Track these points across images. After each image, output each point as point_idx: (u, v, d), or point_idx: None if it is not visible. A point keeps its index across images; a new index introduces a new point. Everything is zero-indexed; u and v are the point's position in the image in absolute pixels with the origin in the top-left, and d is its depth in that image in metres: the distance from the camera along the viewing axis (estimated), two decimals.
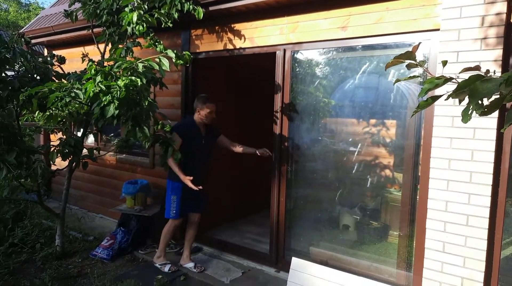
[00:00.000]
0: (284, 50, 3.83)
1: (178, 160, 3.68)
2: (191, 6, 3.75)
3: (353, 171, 3.86)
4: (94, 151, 4.09)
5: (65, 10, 4.32)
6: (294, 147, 3.99)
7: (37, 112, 4.28)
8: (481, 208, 2.73)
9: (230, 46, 4.17)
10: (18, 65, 3.84)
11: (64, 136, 4.01)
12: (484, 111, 1.06)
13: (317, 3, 3.53)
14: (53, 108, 3.86)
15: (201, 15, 3.78)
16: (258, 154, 3.95)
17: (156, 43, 3.60)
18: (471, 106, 1.03)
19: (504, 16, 2.61)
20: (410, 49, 1.21)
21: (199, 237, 4.38)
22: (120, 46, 3.84)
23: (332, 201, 4.04)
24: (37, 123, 4.56)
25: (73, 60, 5.00)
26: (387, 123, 3.69)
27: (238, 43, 4.10)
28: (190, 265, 3.99)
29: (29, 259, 4.23)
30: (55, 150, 3.63)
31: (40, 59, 4.01)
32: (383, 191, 3.81)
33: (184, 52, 3.63)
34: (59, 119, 4.13)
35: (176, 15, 3.79)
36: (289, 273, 3.65)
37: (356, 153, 3.82)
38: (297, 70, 3.90)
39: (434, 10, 2.99)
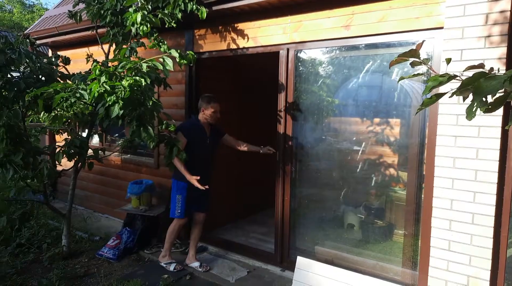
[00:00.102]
0: (288, 50, 3.83)
1: (183, 160, 3.70)
2: (194, 6, 3.76)
3: (357, 170, 3.86)
4: (100, 151, 4.11)
5: (69, 11, 4.34)
6: (298, 146, 4.00)
7: (42, 113, 4.32)
8: (486, 206, 2.72)
9: (233, 46, 4.18)
10: (23, 66, 3.87)
11: (69, 137, 4.05)
12: (488, 108, 1.06)
13: (320, 2, 3.53)
14: (58, 109, 3.90)
15: (205, 15, 3.79)
16: (264, 151, 3.96)
17: (160, 43, 3.62)
18: (475, 104, 1.04)
19: (508, 13, 2.60)
20: (413, 47, 1.21)
21: (204, 237, 4.39)
22: (124, 46, 3.86)
23: (337, 200, 4.03)
24: (42, 124, 4.59)
25: (77, 61, 5.04)
26: (391, 122, 3.68)
27: (242, 43, 4.11)
28: (196, 264, 4.01)
29: (36, 259, 4.26)
30: (61, 151, 3.65)
31: (45, 60, 4.04)
32: (387, 190, 3.80)
33: (187, 52, 3.64)
34: (64, 119, 4.17)
35: (179, 15, 3.80)
36: (295, 272, 3.66)
37: (360, 152, 3.82)
38: (300, 69, 3.90)
39: (437, 9, 2.98)
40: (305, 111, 3.94)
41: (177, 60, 3.53)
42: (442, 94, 1.19)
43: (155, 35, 3.70)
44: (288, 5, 3.70)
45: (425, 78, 3.15)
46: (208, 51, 4.43)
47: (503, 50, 2.62)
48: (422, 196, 3.22)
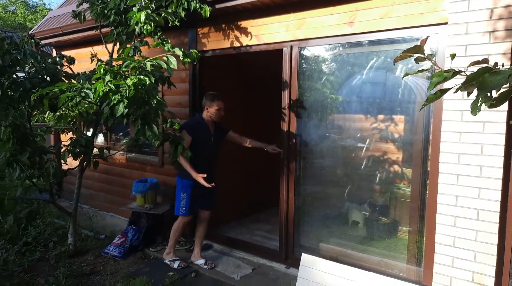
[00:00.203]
0: (291, 47, 3.83)
1: (188, 158, 3.71)
2: (197, 5, 3.77)
3: (362, 167, 3.86)
4: (105, 150, 4.14)
5: (73, 11, 4.37)
6: (302, 143, 4.00)
7: (47, 113, 4.35)
8: (491, 202, 2.71)
9: (236, 44, 4.18)
10: (28, 66, 3.90)
11: (75, 136, 4.07)
12: (493, 103, 1.06)
13: None
14: (63, 108, 3.92)
15: (208, 13, 3.80)
16: (269, 150, 3.98)
17: (164, 42, 3.63)
18: (480, 99, 1.04)
19: None
20: (417, 43, 1.21)
21: (209, 235, 4.41)
22: (128, 45, 3.88)
23: (341, 198, 4.04)
24: (48, 123, 4.62)
25: (82, 60, 5.06)
26: (395, 119, 3.68)
27: (245, 41, 4.11)
28: (201, 261, 4.03)
29: (42, 257, 4.30)
30: (67, 150, 3.68)
31: (50, 60, 4.07)
32: (392, 187, 3.80)
33: (191, 50, 3.65)
34: (69, 119, 4.20)
35: (183, 14, 3.81)
36: (299, 269, 3.67)
37: (364, 149, 3.82)
38: (304, 66, 3.90)
39: (441, 4, 2.97)
40: (309, 108, 3.94)
41: (181, 58, 3.54)
42: (446, 90, 1.19)
43: (159, 34, 3.71)
44: (291, 2, 3.70)
45: (429, 74, 3.14)
46: (211, 49, 4.44)
47: (508, 45, 2.61)
48: (427, 192, 3.22)
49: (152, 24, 3.53)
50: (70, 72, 4.23)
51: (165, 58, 3.30)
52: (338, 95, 3.91)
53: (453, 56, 1.24)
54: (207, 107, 3.90)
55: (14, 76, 3.72)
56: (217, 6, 3.93)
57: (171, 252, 4.09)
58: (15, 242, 4.53)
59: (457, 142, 2.82)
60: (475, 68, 1.12)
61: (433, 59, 2.99)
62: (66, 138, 4.71)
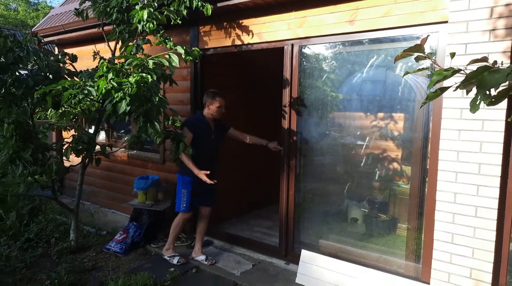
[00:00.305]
0: (292, 45, 3.86)
1: (190, 155, 3.74)
2: (199, 3, 3.79)
3: (361, 165, 3.89)
4: (106, 147, 4.17)
5: (75, 9, 4.38)
6: (302, 141, 4.03)
7: (49, 110, 4.37)
8: (489, 199, 2.74)
9: (238, 42, 4.21)
10: (31, 64, 3.92)
11: (77, 133, 4.10)
12: (492, 101, 1.09)
13: None
14: (66, 106, 3.95)
15: (210, 12, 3.81)
16: (270, 147, 4.01)
17: (166, 40, 3.65)
18: (479, 97, 1.07)
19: None
20: (418, 42, 1.24)
21: (209, 231, 4.45)
22: (130, 43, 3.90)
23: (341, 195, 4.07)
24: (50, 121, 4.65)
25: (84, 58, 5.08)
26: (395, 117, 3.71)
27: (246, 39, 4.14)
28: (202, 257, 4.07)
29: (44, 254, 4.33)
30: (69, 147, 3.71)
31: (52, 58, 4.09)
32: (391, 184, 3.84)
33: (193, 48, 3.67)
34: (71, 116, 4.22)
35: (184, 12, 3.83)
36: (299, 265, 3.72)
37: (364, 147, 3.85)
38: (305, 64, 3.93)
39: (442, 2, 2.99)
40: (310, 106, 3.97)
41: (183, 56, 3.57)
42: (446, 88, 1.22)
43: (161, 32, 3.73)
44: (292, 0, 3.72)
45: (429, 72, 3.17)
46: (213, 48, 4.47)
47: (508, 44, 2.63)
48: (426, 190, 3.25)
49: (155, 22, 3.55)
50: (73, 69, 4.26)
51: (167, 56, 3.32)
52: (339, 93, 3.93)
53: (452, 55, 1.27)
54: (208, 105, 3.92)
55: (17, 73, 3.74)
56: (219, 4, 3.95)
57: (171, 248, 4.13)
58: (17, 238, 4.56)
59: (456, 139, 2.85)
60: (474, 67, 1.15)
61: (433, 57, 3.01)
62: (68, 135, 4.74)
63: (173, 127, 4.03)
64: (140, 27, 3.62)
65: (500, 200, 2.73)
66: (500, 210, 2.75)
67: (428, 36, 1.37)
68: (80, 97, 3.06)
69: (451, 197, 2.91)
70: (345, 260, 3.57)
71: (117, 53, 4.35)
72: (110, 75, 3.07)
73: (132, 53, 3.69)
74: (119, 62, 3.44)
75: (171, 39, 3.76)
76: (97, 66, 4.12)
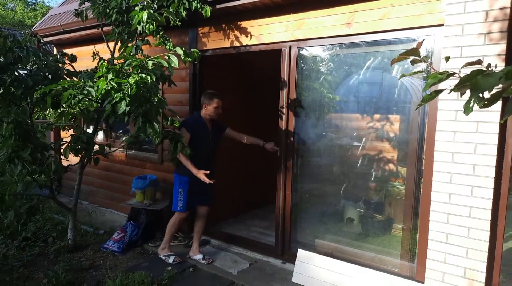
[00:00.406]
0: (290, 47, 3.90)
1: (188, 155, 3.77)
2: (198, 5, 3.82)
3: (358, 166, 3.93)
4: (105, 147, 4.19)
5: (75, 10, 4.41)
6: (299, 142, 4.07)
7: (48, 110, 4.39)
8: (484, 200, 2.78)
9: (236, 43, 4.24)
10: (30, 64, 3.94)
11: (75, 133, 4.12)
12: (485, 104, 1.13)
13: (322, 0, 3.59)
14: (64, 105, 3.97)
15: (209, 13, 3.85)
16: (267, 147, 4.05)
17: (166, 41, 3.68)
18: (473, 99, 1.11)
19: (508, 10, 2.64)
20: (414, 44, 1.28)
21: (207, 230, 4.47)
22: (129, 44, 3.92)
23: (337, 195, 4.11)
24: (48, 120, 4.66)
25: (83, 58, 5.09)
26: (391, 118, 3.75)
27: (245, 40, 4.18)
28: (199, 256, 4.09)
29: (42, 252, 4.34)
30: (68, 146, 3.73)
31: (51, 58, 4.11)
32: (387, 185, 3.88)
33: (192, 50, 3.71)
34: (70, 116, 4.24)
35: (184, 14, 3.86)
36: (295, 264, 3.75)
37: (360, 148, 3.89)
38: (302, 66, 3.97)
39: (438, 6, 3.04)
40: (307, 107, 4.01)
41: (182, 57, 3.60)
42: (441, 91, 1.26)
43: (160, 33, 3.76)
44: (291, 3, 3.76)
45: (425, 75, 3.21)
46: (211, 49, 4.50)
47: (502, 47, 2.67)
48: (421, 190, 3.29)
49: (154, 24, 3.58)
50: (72, 70, 4.27)
51: (166, 57, 3.35)
52: (336, 94, 3.98)
53: (447, 58, 1.31)
54: (205, 105, 3.96)
55: (16, 73, 3.75)
56: (218, 6, 3.99)
57: (166, 247, 4.15)
58: (14, 237, 4.56)
59: (451, 141, 2.89)
60: (469, 69, 1.19)
61: (430, 59, 3.06)
62: (66, 135, 4.76)
63: (172, 128, 4.06)
64: (139, 28, 3.65)
65: (494, 201, 2.77)
66: (493, 210, 2.79)
67: (424, 40, 1.41)
68: (80, 97, 3.08)
69: (446, 198, 2.95)
70: (341, 259, 3.61)
71: (116, 54, 4.37)
72: (110, 76, 3.10)
73: (132, 54, 3.72)
74: (118, 63, 3.47)
75: (171, 40, 3.79)
76: (96, 67, 4.15)
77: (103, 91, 3.08)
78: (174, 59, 3.36)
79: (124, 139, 5.47)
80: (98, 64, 4.04)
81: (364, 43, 3.56)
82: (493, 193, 2.76)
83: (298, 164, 4.11)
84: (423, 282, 3.16)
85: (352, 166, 4.00)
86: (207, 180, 3.68)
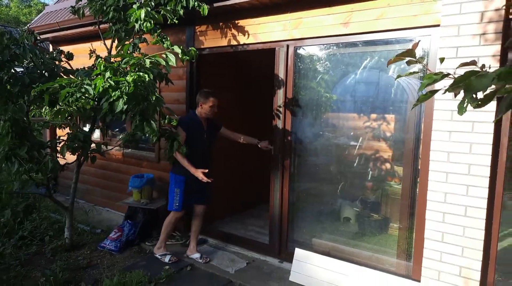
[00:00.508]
0: (287, 46, 3.91)
1: (184, 153, 3.78)
2: (196, 3, 3.82)
3: (354, 165, 3.95)
4: (102, 145, 4.18)
5: (72, 7, 4.39)
6: (296, 141, 4.08)
7: (44, 108, 4.38)
8: (479, 199, 2.81)
9: (234, 42, 4.25)
10: (27, 61, 3.93)
11: (72, 131, 4.11)
12: (478, 104, 1.14)
13: (320, 0, 3.60)
14: (60, 103, 3.96)
15: (206, 12, 3.85)
16: (261, 146, 4.06)
17: (163, 40, 3.68)
18: (466, 100, 1.12)
19: (503, 12, 2.68)
20: (410, 44, 1.29)
21: (204, 230, 4.48)
22: (126, 42, 3.92)
23: (334, 194, 4.13)
24: (44, 118, 4.65)
25: (79, 56, 5.07)
26: (388, 118, 3.77)
27: (242, 39, 4.18)
28: (196, 255, 4.10)
29: (39, 251, 4.34)
30: (65, 145, 3.72)
31: (47, 56, 4.10)
32: (383, 184, 3.91)
33: (190, 48, 3.71)
34: (66, 114, 4.23)
35: (181, 12, 3.86)
36: (293, 263, 3.77)
37: (357, 147, 3.91)
38: (299, 65, 3.98)
39: (434, 6, 3.06)
40: (304, 106, 4.02)
41: (180, 56, 3.60)
42: (436, 91, 1.28)
43: (158, 32, 3.76)
44: (288, 2, 3.77)
45: (422, 74, 3.23)
46: (209, 47, 4.50)
47: (497, 48, 2.70)
48: (417, 190, 3.31)
49: (152, 22, 3.57)
50: (68, 67, 4.26)
51: (164, 56, 3.35)
52: (332, 94, 3.99)
53: (442, 59, 1.33)
54: (201, 104, 3.96)
55: (13, 71, 3.74)
56: (215, 4, 3.99)
57: (162, 246, 4.16)
58: (11, 236, 4.56)
59: (447, 140, 2.92)
60: (464, 70, 1.21)
61: (426, 60, 3.07)
62: (62, 133, 4.75)
63: (169, 126, 4.06)
64: (137, 26, 3.64)
65: (489, 200, 2.80)
66: (488, 209, 2.82)
67: (419, 41, 1.43)
68: (78, 96, 3.08)
69: (442, 197, 2.97)
70: (338, 258, 3.63)
71: (113, 52, 4.36)
72: (108, 74, 3.10)
73: (129, 52, 3.71)
74: (115, 61, 3.46)
75: (168, 39, 3.79)
76: (93, 64, 4.14)
77: (100, 89, 3.07)
78: (172, 58, 3.35)
79: (120, 137, 5.47)
80: (95, 62, 4.04)
81: (361, 42, 3.58)
82: (488, 192, 2.79)
83: (295, 163, 4.12)
84: (419, 281, 3.18)
85: (349, 165, 4.02)
86: (205, 179, 3.69)
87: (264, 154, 4.23)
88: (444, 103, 2.90)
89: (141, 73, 3.14)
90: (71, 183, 4.48)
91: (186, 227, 4.59)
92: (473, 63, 1.29)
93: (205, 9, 3.84)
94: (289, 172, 4.04)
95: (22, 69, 3.96)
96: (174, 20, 3.83)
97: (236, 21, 4.20)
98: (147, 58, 3.27)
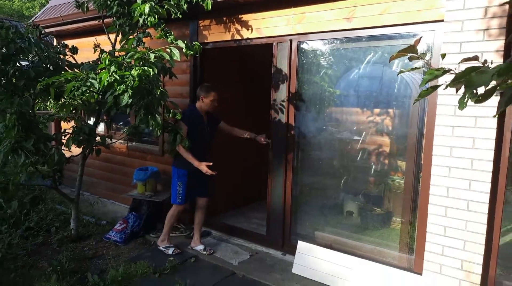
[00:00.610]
0: (291, 41, 3.91)
1: (187, 147, 3.81)
2: None
3: (357, 159, 3.97)
4: (106, 138, 4.23)
5: (76, 1, 4.41)
6: (300, 135, 4.10)
7: (49, 101, 4.42)
8: (481, 193, 2.83)
9: (237, 37, 4.26)
10: (32, 55, 3.96)
11: (76, 124, 4.15)
12: (479, 99, 1.16)
13: None
14: (66, 97, 4.00)
15: (210, 6, 3.85)
16: (258, 140, 4.11)
17: (167, 34, 3.70)
18: (467, 95, 1.14)
19: (506, 7, 2.67)
20: (414, 39, 1.31)
21: (208, 222, 4.53)
22: (130, 36, 3.94)
23: (337, 188, 4.15)
24: (50, 112, 4.70)
25: (83, 50, 5.10)
26: (391, 112, 3.78)
27: (246, 34, 4.19)
28: (200, 247, 4.15)
29: (45, 242, 4.40)
30: (71, 137, 3.77)
31: (52, 50, 4.13)
32: (386, 178, 3.92)
33: (194, 43, 3.72)
34: (71, 108, 4.27)
35: (185, 6, 3.87)
36: (295, 255, 3.81)
37: (360, 142, 3.92)
38: (303, 60, 3.98)
39: (438, 1, 3.05)
40: (307, 101, 4.04)
41: (184, 50, 3.61)
42: (437, 86, 1.29)
43: (162, 26, 3.77)
44: None
45: (426, 69, 3.23)
46: (212, 42, 4.51)
47: (501, 43, 2.69)
48: (420, 184, 3.33)
49: (156, 16, 3.59)
50: (73, 61, 4.29)
51: (168, 50, 3.37)
52: (336, 88, 4.00)
53: (443, 55, 1.34)
54: (202, 98, 3.99)
55: (18, 64, 3.78)
56: None
57: (166, 239, 4.21)
58: (18, 227, 4.62)
59: (450, 135, 2.93)
60: (466, 65, 1.22)
61: (429, 55, 3.06)
62: (67, 126, 4.79)
63: (173, 120, 4.10)
64: (141, 20, 3.65)
65: (491, 194, 2.81)
66: (491, 204, 2.84)
67: (421, 37, 1.44)
68: (83, 89, 3.11)
69: (444, 191, 2.99)
70: (340, 251, 3.66)
71: (117, 46, 4.38)
72: (113, 68, 3.12)
73: (133, 46, 3.73)
74: (119, 55, 3.49)
75: (172, 33, 3.81)
76: (97, 58, 4.17)
77: (105, 83, 3.10)
78: (176, 52, 3.37)
79: (124, 130, 5.51)
80: (99, 56, 4.06)
81: (365, 37, 3.57)
82: (490, 187, 2.80)
83: (299, 157, 4.15)
84: (421, 274, 3.21)
85: (352, 159, 4.04)
86: (209, 172, 3.73)
87: (265, 149, 4.25)
88: (447, 98, 2.91)
89: (145, 67, 3.16)
90: (76, 176, 4.54)
91: (190, 219, 4.64)
92: (475, 58, 1.31)
93: (208, 3, 3.85)
94: (292, 166, 4.07)
95: (27, 63, 3.99)
96: (178, 15, 3.84)
97: (240, 16, 4.20)
98: (151, 53, 3.30)
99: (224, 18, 4.33)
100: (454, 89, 1.48)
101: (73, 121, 4.64)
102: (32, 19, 6.56)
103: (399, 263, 3.52)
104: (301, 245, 3.83)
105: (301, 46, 3.93)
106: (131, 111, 3.59)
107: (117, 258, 4.03)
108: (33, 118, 3.72)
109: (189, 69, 4.72)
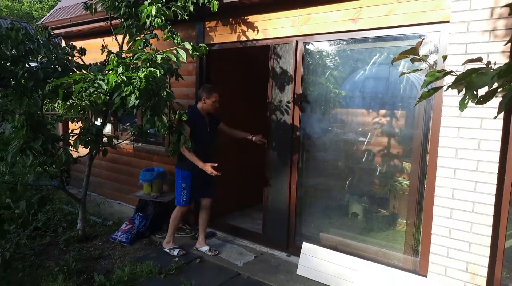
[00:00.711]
0: (296, 42, 3.92)
1: (190, 148, 3.83)
2: None
3: (363, 161, 3.96)
4: (113, 139, 4.27)
5: (84, 3, 4.47)
6: (305, 136, 4.11)
7: (57, 102, 4.47)
8: (487, 195, 2.81)
9: (243, 38, 4.28)
10: (41, 56, 4.02)
11: (84, 125, 4.20)
12: (480, 101, 1.17)
13: None
14: (73, 98, 4.05)
15: (216, 8, 3.88)
16: (255, 140, 4.15)
17: (174, 36, 3.73)
18: (467, 96, 1.15)
19: None
20: (420, 40, 1.31)
21: (213, 223, 4.55)
22: (138, 38, 3.98)
23: (342, 190, 4.15)
24: (58, 113, 4.75)
25: (91, 51, 5.15)
26: (397, 113, 3.77)
27: (251, 35, 4.21)
28: (205, 248, 4.17)
29: (52, 242, 4.46)
30: (78, 138, 3.81)
31: (60, 51, 4.18)
32: (391, 180, 3.91)
33: (200, 44, 3.75)
34: (79, 108, 4.32)
35: (191, 8, 3.90)
36: (300, 257, 3.81)
37: (365, 143, 3.92)
38: (308, 61, 3.99)
39: (444, 2, 3.05)
40: (313, 102, 4.04)
41: (190, 52, 3.64)
42: (438, 88, 1.30)
43: (168, 27, 3.80)
44: None
45: (431, 70, 3.22)
46: (218, 43, 4.54)
47: (507, 44, 2.69)
48: (425, 186, 3.32)
49: (163, 18, 3.62)
50: (81, 63, 4.35)
51: (175, 51, 3.40)
52: (341, 89, 4.00)
53: (444, 57, 1.35)
54: (204, 99, 4.01)
55: (27, 66, 3.84)
56: (225, 0, 4.02)
57: (171, 240, 4.23)
58: (25, 227, 4.68)
59: (455, 137, 2.92)
60: (470, 66, 1.23)
61: (435, 56, 3.05)
62: (75, 127, 4.85)
63: (176, 120, 4.12)
64: (148, 22, 3.69)
65: (496, 196, 2.80)
66: (496, 206, 2.82)
67: (423, 39, 1.45)
68: (91, 91, 3.15)
69: (449, 193, 2.98)
70: (345, 253, 3.66)
71: (125, 47, 4.43)
72: (120, 69, 3.16)
73: (140, 47, 3.77)
74: (126, 56, 3.53)
75: (179, 35, 3.84)
76: (105, 60, 4.21)
77: (113, 85, 3.14)
78: (183, 54, 3.39)
79: (129, 131, 5.55)
80: (106, 57, 4.11)
81: (370, 38, 3.57)
82: (496, 188, 2.79)
83: (304, 158, 4.15)
84: (426, 276, 3.20)
85: (357, 161, 4.03)
86: (214, 173, 3.76)
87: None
88: (453, 99, 2.90)
89: (152, 69, 3.19)
90: (83, 176, 4.58)
91: (195, 219, 4.66)
92: (479, 59, 1.31)
93: (215, 5, 3.88)
94: (297, 167, 4.07)
95: (36, 64, 4.05)
96: (185, 16, 3.87)
97: (246, 17, 4.23)
98: (158, 54, 3.33)
99: (230, 20, 4.36)
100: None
101: (80, 121, 4.69)
102: (41, 20, 6.65)
103: (404, 265, 3.51)
104: (306, 246, 3.84)
105: (307, 47, 3.94)
106: (137, 112, 3.62)
107: (123, 258, 4.06)
108: (42, 118, 3.77)
109: (195, 70, 4.76)
